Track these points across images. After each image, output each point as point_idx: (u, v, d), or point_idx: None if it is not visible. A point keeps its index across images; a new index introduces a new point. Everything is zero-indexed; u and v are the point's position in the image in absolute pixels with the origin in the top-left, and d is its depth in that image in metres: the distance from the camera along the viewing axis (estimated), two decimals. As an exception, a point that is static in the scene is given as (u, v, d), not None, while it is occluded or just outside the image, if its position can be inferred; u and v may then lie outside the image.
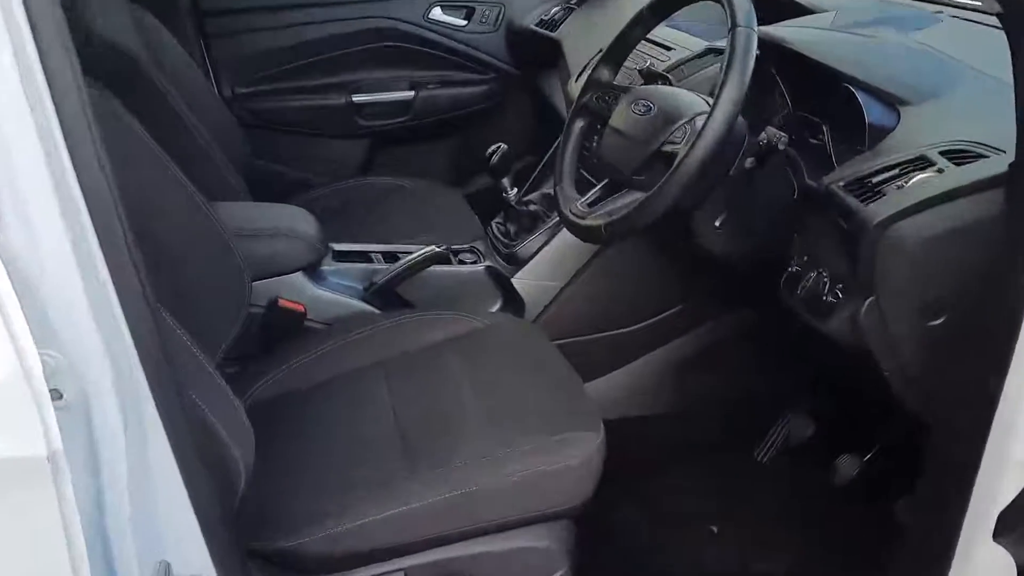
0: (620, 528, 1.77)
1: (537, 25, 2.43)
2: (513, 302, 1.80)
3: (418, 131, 2.56)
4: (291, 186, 2.36)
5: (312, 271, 1.69)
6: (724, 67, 1.22)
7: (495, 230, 1.89)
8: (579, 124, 1.55)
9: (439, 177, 2.55)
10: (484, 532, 1.24)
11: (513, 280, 1.78)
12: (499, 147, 1.81)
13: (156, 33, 2.02)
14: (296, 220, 1.70)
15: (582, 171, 1.65)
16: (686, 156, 1.21)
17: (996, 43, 0.98)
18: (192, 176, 1.53)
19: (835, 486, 1.73)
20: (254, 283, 1.59)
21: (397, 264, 1.74)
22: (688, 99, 1.35)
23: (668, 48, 1.78)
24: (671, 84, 1.52)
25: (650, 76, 1.57)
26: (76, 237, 0.77)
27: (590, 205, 1.42)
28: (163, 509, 0.90)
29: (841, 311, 1.24)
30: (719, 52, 1.65)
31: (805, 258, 1.32)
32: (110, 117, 1.33)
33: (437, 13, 2.49)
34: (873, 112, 1.29)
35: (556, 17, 2.40)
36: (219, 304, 1.47)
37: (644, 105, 1.37)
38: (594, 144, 1.52)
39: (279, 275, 1.65)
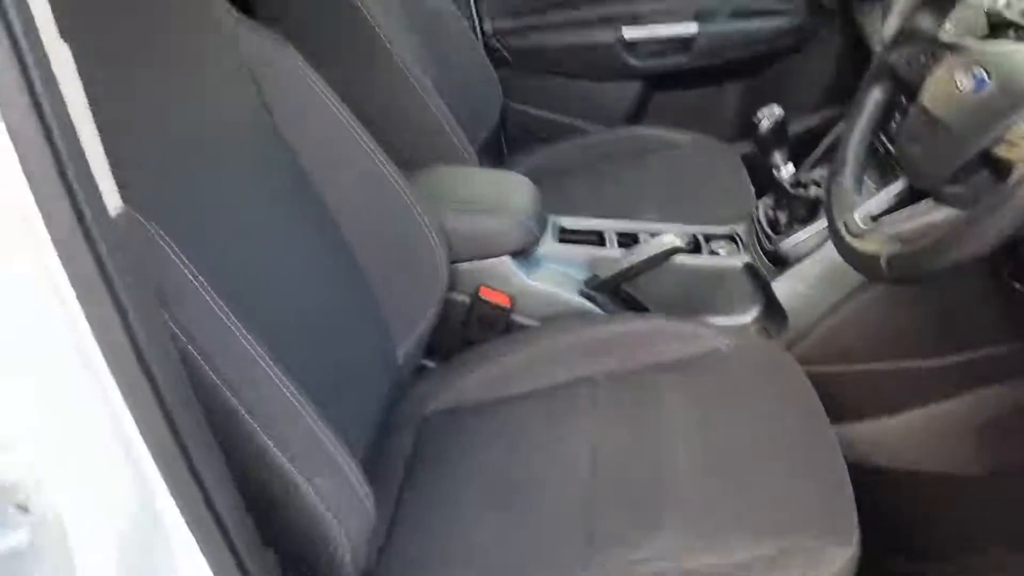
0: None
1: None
2: (772, 314, 1.41)
3: (701, 73, 2.16)
4: (549, 133, 2.10)
5: (525, 255, 1.42)
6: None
7: (762, 214, 1.48)
8: (877, 93, 1.10)
9: (722, 129, 2.15)
10: None
11: (773, 284, 1.38)
12: (771, 110, 1.39)
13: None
14: (511, 193, 1.43)
15: (881, 149, 1.21)
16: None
17: None
18: (398, 138, 1.35)
19: None
20: (458, 266, 1.38)
21: (627, 255, 1.42)
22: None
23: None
24: (1031, 38, 1.03)
25: (998, 24, 1.08)
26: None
27: (874, 218, 0.99)
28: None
29: None
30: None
31: None
32: (283, 68, 1.16)
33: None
34: None
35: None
36: (408, 288, 1.28)
37: (976, 76, 0.91)
38: (893, 125, 1.07)
39: (486, 258, 1.40)
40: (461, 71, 1.89)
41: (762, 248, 1.44)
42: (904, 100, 1.05)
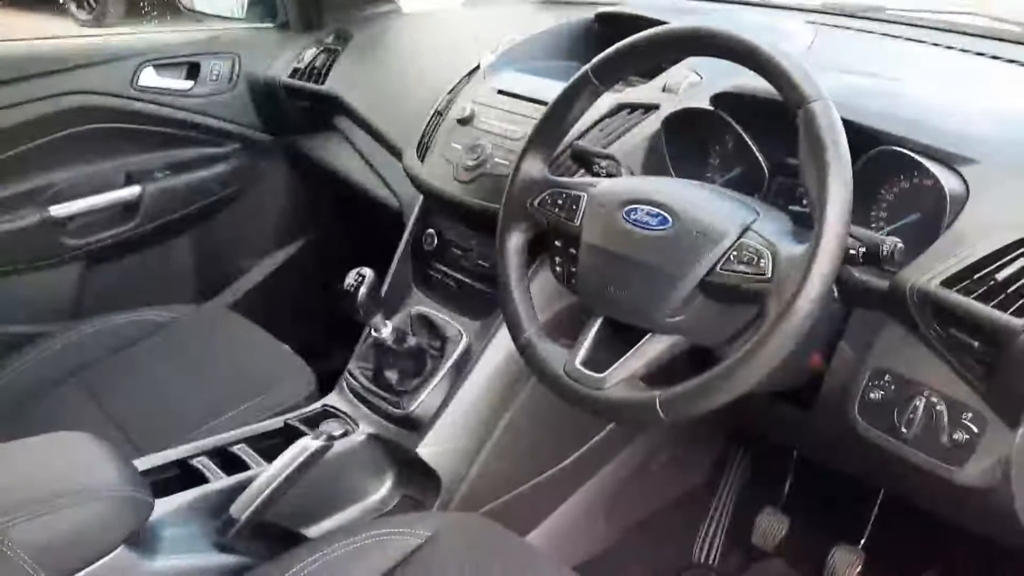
0: None
1: (293, 76, 1.88)
2: (415, 477, 1.31)
3: (151, 238, 1.89)
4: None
5: (137, 537, 1.06)
6: (814, 165, 0.85)
7: (364, 380, 1.36)
8: (516, 239, 1.09)
9: (186, 287, 1.93)
10: None
11: (420, 451, 1.28)
12: (361, 275, 1.26)
13: None
14: (84, 462, 1.04)
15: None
16: (798, 293, 0.82)
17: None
18: None
19: None
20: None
21: (262, 484, 1.15)
22: (714, 202, 0.96)
23: (538, 102, 1.35)
24: (619, 166, 1.13)
25: (583, 157, 1.16)
26: None
27: (595, 364, 0.98)
28: None
29: (985, 452, 0.95)
30: (634, 108, 1.28)
31: (887, 379, 1.02)
32: None
33: (149, 76, 1.82)
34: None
35: (317, 63, 1.86)
36: None
37: (655, 215, 0.96)
38: (557, 269, 1.08)
39: (90, 564, 1.00)
40: None
41: (385, 415, 1.32)
42: (557, 243, 1.06)
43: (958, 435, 0.95)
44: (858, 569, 1.47)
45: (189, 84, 1.87)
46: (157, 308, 1.69)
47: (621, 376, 0.95)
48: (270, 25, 2.00)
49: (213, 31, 1.93)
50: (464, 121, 1.38)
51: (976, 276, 0.93)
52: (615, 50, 1.03)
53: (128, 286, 1.89)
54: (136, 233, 1.85)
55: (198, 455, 1.26)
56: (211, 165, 1.93)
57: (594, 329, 1.01)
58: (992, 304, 0.90)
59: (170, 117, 1.85)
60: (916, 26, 1.47)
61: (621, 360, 0.96)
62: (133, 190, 1.81)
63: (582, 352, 1.00)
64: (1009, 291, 0.90)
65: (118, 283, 1.89)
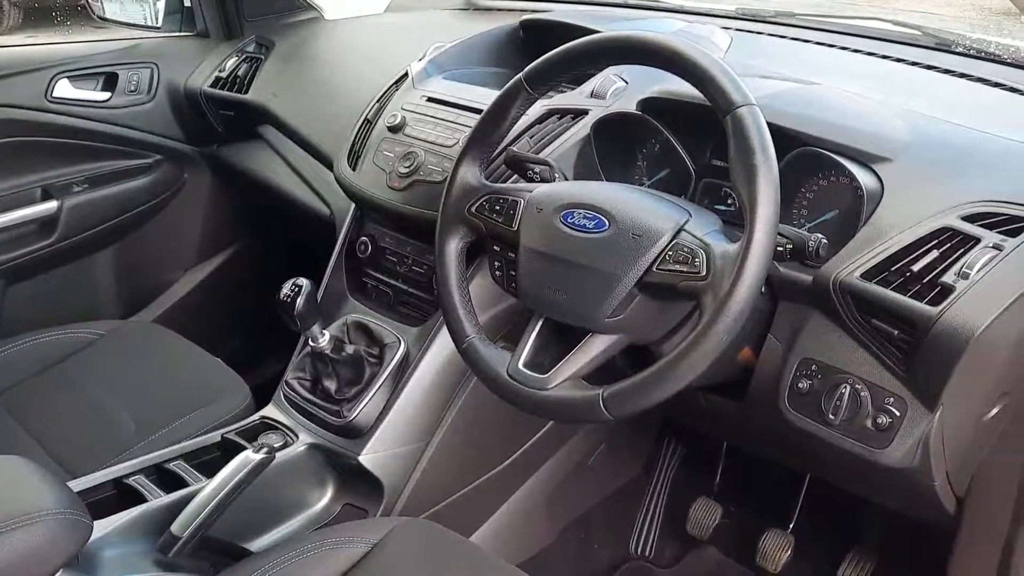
0: None
1: (214, 86, 1.85)
2: (359, 485, 1.31)
3: (73, 253, 1.84)
4: None
5: (76, 560, 1.04)
6: (744, 168, 0.89)
7: (302, 390, 1.35)
8: (454, 245, 1.10)
9: (110, 310, 1.89)
10: None
11: (362, 459, 1.28)
12: (297, 285, 1.25)
13: None
14: (25, 490, 1.02)
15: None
16: (733, 289, 0.86)
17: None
18: None
19: None
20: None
21: (203, 501, 1.13)
22: (649, 204, 0.99)
23: (469, 109, 1.37)
24: (553, 171, 1.15)
25: (517, 163, 1.18)
26: None
27: (538, 366, 1.00)
28: None
29: (907, 434, 1.00)
30: (563, 114, 1.31)
31: (813, 368, 1.07)
32: None
33: (65, 88, 1.76)
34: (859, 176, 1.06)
35: (240, 73, 1.84)
36: None
37: (592, 218, 0.98)
38: (497, 273, 1.09)
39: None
40: None
41: (325, 425, 1.31)
42: (497, 248, 1.07)
43: (881, 419, 1.01)
44: (788, 551, 1.53)
45: (106, 95, 1.82)
46: (82, 324, 1.65)
47: (564, 376, 0.98)
48: (188, 34, 1.97)
49: (130, 40, 1.88)
50: (395, 129, 1.39)
51: (893, 268, 0.98)
52: (549, 58, 1.05)
53: (51, 303, 1.84)
54: (56, 249, 1.79)
55: (134, 474, 1.24)
56: (133, 177, 1.88)
57: (535, 331, 1.03)
58: (909, 294, 0.96)
59: (87, 129, 1.80)
60: (824, 30, 1.53)
61: (563, 360, 0.98)
62: (50, 205, 1.76)
63: (524, 354, 1.02)
64: (924, 281, 0.96)
65: (41, 300, 1.83)
